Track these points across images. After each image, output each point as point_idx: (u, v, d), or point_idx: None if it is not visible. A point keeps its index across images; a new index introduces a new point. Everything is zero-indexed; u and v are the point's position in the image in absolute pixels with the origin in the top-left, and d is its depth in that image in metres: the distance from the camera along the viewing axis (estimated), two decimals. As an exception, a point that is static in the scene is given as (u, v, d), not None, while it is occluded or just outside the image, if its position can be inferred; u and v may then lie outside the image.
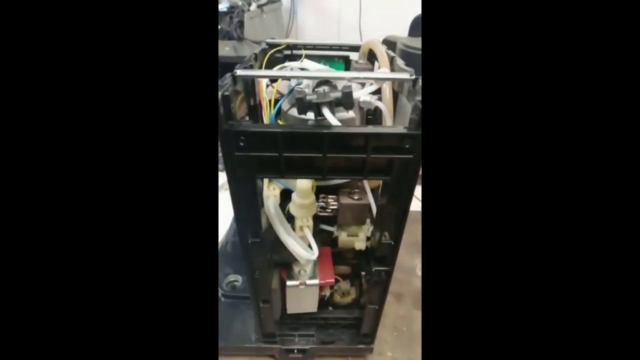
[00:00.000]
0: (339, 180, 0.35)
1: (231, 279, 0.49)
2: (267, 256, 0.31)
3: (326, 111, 0.25)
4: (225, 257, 0.52)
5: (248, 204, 0.27)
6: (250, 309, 0.45)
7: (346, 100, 0.26)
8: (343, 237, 0.39)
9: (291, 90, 0.32)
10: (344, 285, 0.45)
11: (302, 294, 0.37)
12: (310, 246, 0.34)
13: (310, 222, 0.32)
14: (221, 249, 0.54)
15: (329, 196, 0.37)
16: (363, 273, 0.46)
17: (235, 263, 0.51)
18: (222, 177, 0.76)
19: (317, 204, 0.34)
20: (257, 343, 0.42)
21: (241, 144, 0.22)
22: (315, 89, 0.29)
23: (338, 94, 0.26)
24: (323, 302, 0.43)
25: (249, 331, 0.43)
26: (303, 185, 0.31)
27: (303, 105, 0.26)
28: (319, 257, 0.40)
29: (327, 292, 0.43)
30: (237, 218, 0.29)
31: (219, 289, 0.47)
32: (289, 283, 0.36)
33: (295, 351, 0.42)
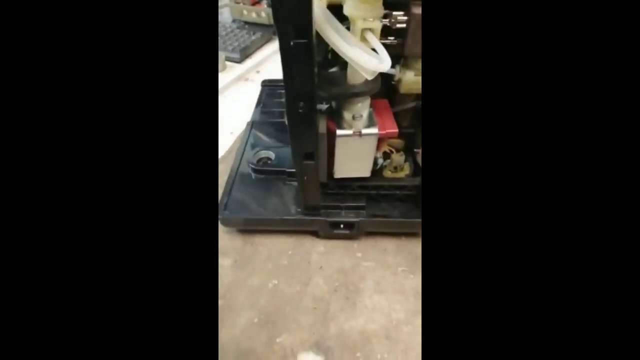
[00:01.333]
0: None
1: (262, 155, 0.42)
2: (314, 73, 0.23)
3: None
4: (254, 137, 0.45)
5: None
6: (286, 184, 0.40)
7: None
8: (408, 78, 0.30)
9: None
10: (397, 157, 0.37)
11: (356, 148, 0.30)
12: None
13: (377, 25, 0.23)
14: (245, 135, 0.46)
15: (395, 12, 0.27)
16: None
17: (265, 141, 0.44)
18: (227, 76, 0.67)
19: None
20: (297, 215, 0.36)
21: None
22: None
23: None
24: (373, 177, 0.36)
25: (287, 204, 0.37)
26: (368, -40, 0.21)
27: None
28: (375, 109, 0.31)
29: (379, 161, 0.36)
30: (274, 5, 0.20)
31: (249, 164, 0.41)
32: (339, 132, 0.29)
33: (342, 226, 0.36)
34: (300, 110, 0.25)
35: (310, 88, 0.23)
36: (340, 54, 0.22)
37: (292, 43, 0.21)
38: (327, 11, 0.23)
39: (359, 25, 0.22)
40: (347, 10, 0.23)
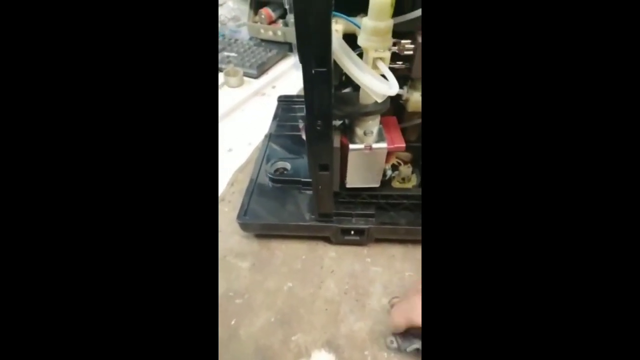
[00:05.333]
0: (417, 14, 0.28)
1: (279, 165, 0.45)
2: (332, 96, 0.26)
3: None
4: (271, 148, 0.49)
5: (315, 16, 0.21)
6: (301, 192, 0.42)
7: None
8: (415, 98, 0.33)
9: None
10: (405, 169, 0.40)
11: (367, 161, 0.33)
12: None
13: (387, 54, 0.26)
14: (263, 147, 0.50)
15: (403, 41, 0.30)
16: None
17: (282, 152, 0.48)
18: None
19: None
20: (311, 222, 0.39)
21: None
22: None
23: None
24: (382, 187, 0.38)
25: (302, 211, 0.40)
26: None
27: None
28: (384, 125, 0.34)
29: (388, 172, 0.39)
30: (299, 41, 0.23)
31: (267, 174, 0.44)
32: (352, 146, 0.32)
33: (352, 232, 0.39)
34: (318, 128, 0.28)
35: (328, 109, 0.27)
36: (355, 80, 0.26)
37: (313, 71, 0.24)
38: (344, 42, 0.26)
39: (371, 55, 0.26)
40: (360, 42, 0.26)
